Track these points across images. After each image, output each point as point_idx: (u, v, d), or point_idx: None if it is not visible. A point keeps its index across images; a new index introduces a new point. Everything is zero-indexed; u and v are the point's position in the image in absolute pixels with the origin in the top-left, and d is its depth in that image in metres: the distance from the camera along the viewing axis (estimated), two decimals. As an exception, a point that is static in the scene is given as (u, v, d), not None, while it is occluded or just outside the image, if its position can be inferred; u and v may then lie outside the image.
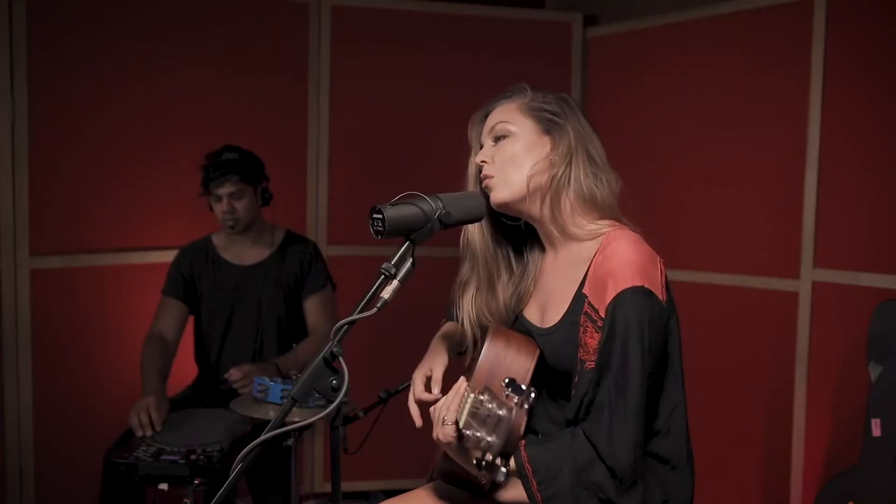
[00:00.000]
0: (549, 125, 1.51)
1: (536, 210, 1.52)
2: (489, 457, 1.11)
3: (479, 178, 1.56)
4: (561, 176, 1.49)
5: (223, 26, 3.07)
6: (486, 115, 1.58)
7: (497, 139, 1.53)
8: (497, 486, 1.54)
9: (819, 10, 2.71)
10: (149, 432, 2.22)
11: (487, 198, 1.55)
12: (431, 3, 3.31)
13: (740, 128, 2.95)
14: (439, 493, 1.60)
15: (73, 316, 2.87)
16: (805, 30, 2.74)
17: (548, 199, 1.50)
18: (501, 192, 1.51)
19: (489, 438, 1.10)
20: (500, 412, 1.12)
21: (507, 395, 1.13)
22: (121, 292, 2.95)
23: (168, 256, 2.74)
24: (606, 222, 1.52)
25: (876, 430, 2.35)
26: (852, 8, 2.66)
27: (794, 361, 2.80)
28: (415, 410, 1.58)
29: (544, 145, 1.51)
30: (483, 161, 1.53)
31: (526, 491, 1.37)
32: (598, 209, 1.51)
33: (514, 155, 1.50)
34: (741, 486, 2.97)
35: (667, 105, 3.16)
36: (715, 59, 3.01)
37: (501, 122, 1.52)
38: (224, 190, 2.55)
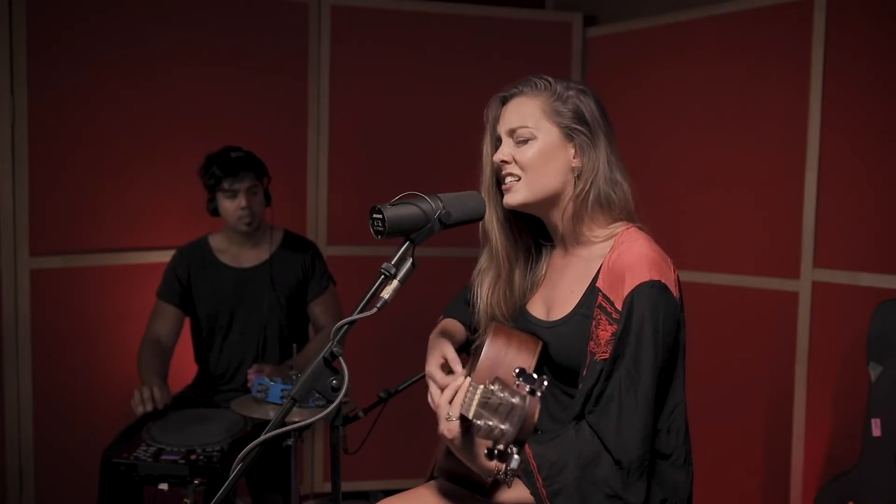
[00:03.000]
0: (572, 132, 1.51)
1: (555, 217, 1.55)
2: (501, 445, 1.10)
3: (496, 175, 1.56)
4: (585, 190, 1.50)
5: (223, 26, 3.07)
6: (504, 100, 1.57)
7: (518, 142, 1.52)
8: (498, 485, 1.54)
9: (819, 10, 2.71)
10: (149, 407, 2.27)
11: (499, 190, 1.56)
12: (431, 3, 3.31)
13: (740, 128, 2.95)
14: (439, 492, 1.60)
15: (73, 316, 2.87)
16: (805, 30, 2.74)
17: (569, 211, 1.52)
18: (518, 195, 1.52)
19: (502, 426, 1.10)
20: (514, 400, 1.11)
21: (518, 385, 1.13)
22: (121, 292, 2.95)
23: (168, 256, 2.73)
24: (619, 224, 1.54)
25: (876, 430, 2.35)
26: (852, 8, 2.66)
27: (794, 361, 2.80)
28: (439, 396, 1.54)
29: (566, 152, 1.52)
30: (503, 161, 1.53)
31: (531, 487, 1.37)
32: (614, 214, 1.53)
33: (534, 160, 1.50)
34: (741, 486, 2.97)
35: (667, 105, 3.15)
36: (715, 59, 3.01)
37: (523, 125, 1.51)
38: (242, 185, 2.52)
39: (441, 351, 1.59)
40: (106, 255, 2.93)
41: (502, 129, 1.55)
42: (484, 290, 1.63)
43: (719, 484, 2.97)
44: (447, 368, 1.55)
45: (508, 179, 1.53)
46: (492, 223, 1.60)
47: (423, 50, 3.30)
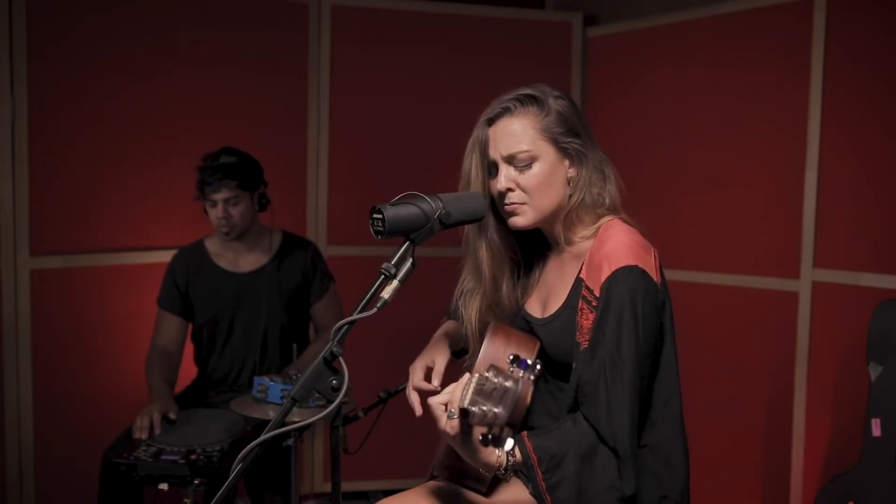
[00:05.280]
0: (566, 145, 1.51)
1: (554, 226, 1.56)
2: (496, 429, 1.11)
3: (497, 201, 1.56)
4: (582, 197, 1.52)
5: (223, 26, 3.07)
6: (490, 122, 1.55)
7: (520, 168, 1.51)
8: (498, 483, 1.54)
9: (819, 10, 2.71)
10: (145, 435, 2.22)
11: (492, 207, 1.57)
12: (431, 3, 3.31)
13: (740, 127, 2.95)
14: (438, 492, 1.60)
15: (73, 316, 2.87)
16: (805, 30, 2.74)
17: (565, 217, 1.53)
18: (527, 218, 1.53)
19: (496, 410, 1.11)
20: (507, 384, 1.12)
21: (512, 370, 1.14)
22: (121, 292, 2.95)
23: (168, 256, 2.73)
24: (606, 218, 1.55)
25: (876, 430, 2.35)
26: (852, 8, 2.66)
27: (794, 361, 2.80)
28: (414, 398, 1.57)
29: (564, 166, 1.53)
30: (509, 189, 1.52)
31: (531, 481, 1.38)
32: (605, 211, 1.55)
33: (540, 183, 1.51)
34: (741, 486, 2.97)
35: (667, 105, 3.15)
36: (715, 59, 3.01)
37: (522, 150, 1.50)
38: (220, 195, 2.47)
39: (433, 356, 1.62)
40: (106, 255, 2.93)
41: (496, 154, 1.53)
42: (472, 313, 1.63)
43: (719, 483, 2.97)
44: (429, 377, 1.60)
45: (515, 205, 1.53)
46: (479, 246, 1.60)
47: (423, 50, 3.30)
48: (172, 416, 2.31)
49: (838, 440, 2.70)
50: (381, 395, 2.13)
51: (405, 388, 2.10)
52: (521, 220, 1.53)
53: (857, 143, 2.68)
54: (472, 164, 1.58)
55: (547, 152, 1.51)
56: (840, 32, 2.68)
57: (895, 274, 2.57)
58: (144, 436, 2.22)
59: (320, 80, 3.20)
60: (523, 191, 1.51)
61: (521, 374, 1.12)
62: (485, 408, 1.13)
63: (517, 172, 1.51)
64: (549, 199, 1.51)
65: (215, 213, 2.52)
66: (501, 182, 1.52)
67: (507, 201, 1.53)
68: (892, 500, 2.31)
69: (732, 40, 2.96)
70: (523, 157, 1.50)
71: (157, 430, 2.24)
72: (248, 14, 3.11)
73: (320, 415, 1.27)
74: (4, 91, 2.68)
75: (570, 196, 1.52)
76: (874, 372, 2.40)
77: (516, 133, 1.51)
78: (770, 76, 2.86)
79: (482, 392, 1.16)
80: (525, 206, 1.52)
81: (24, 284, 2.75)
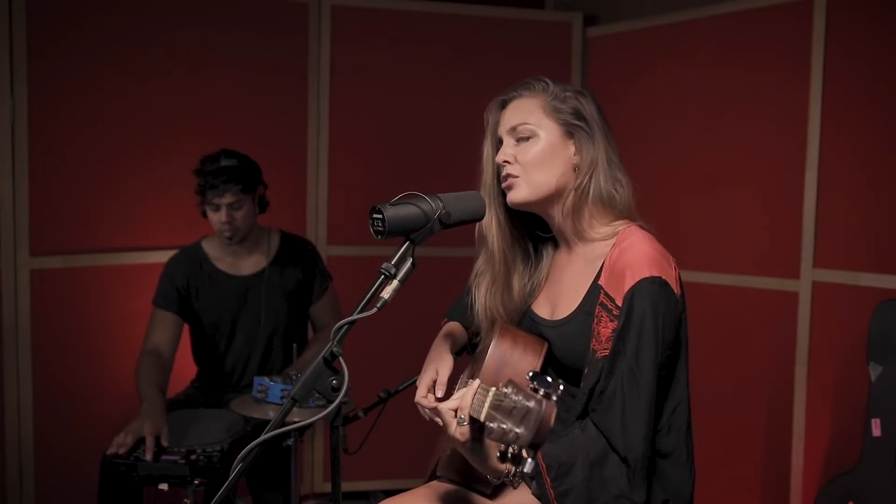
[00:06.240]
0: (572, 128, 1.51)
1: (555, 213, 1.54)
2: (515, 448, 1.09)
3: (499, 175, 1.57)
4: (584, 185, 1.50)
5: (223, 26, 3.07)
6: (504, 104, 1.57)
7: (519, 139, 1.52)
8: (503, 486, 1.53)
9: (819, 10, 2.71)
10: (122, 451, 2.12)
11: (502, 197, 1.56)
12: (431, 3, 3.31)
13: (740, 128, 2.95)
14: (440, 492, 1.60)
15: (73, 316, 2.87)
16: (805, 30, 2.75)
17: (568, 205, 1.51)
18: (521, 192, 1.52)
19: (517, 430, 1.09)
20: (529, 404, 1.10)
21: (533, 388, 1.13)
22: (121, 292, 2.95)
23: (168, 256, 2.72)
24: (621, 222, 1.53)
25: (876, 430, 2.35)
26: (852, 8, 2.66)
27: (794, 361, 2.80)
28: (425, 407, 1.59)
29: (567, 149, 1.52)
30: (505, 161, 1.53)
31: (538, 488, 1.37)
32: (616, 212, 1.53)
33: (537, 158, 1.50)
34: (741, 486, 2.97)
35: (667, 105, 3.16)
36: (715, 59, 3.01)
37: (524, 123, 1.51)
38: (223, 200, 2.45)
39: (437, 367, 1.62)
40: (106, 255, 2.93)
41: (503, 130, 1.55)
42: (481, 294, 1.63)
43: (720, 484, 2.97)
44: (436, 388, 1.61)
45: (510, 179, 1.53)
46: (490, 226, 1.60)
47: (422, 50, 3.31)
48: (165, 442, 2.16)
49: (838, 440, 2.70)
50: (381, 395, 2.13)
51: (405, 387, 2.11)
52: (514, 195, 1.53)
53: (857, 143, 2.68)
54: (486, 147, 1.60)
55: (549, 129, 1.51)
56: (840, 32, 2.69)
57: (895, 274, 2.57)
58: (122, 451, 2.12)
59: (320, 80, 3.21)
60: (521, 165, 1.51)
61: (542, 393, 1.10)
62: (504, 426, 1.10)
63: (517, 146, 1.52)
64: (545, 176, 1.50)
65: (218, 218, 2.49)
66: (501, 154, 1.53)
67: (503, 174, 1.54)
68: (892, 500, 2.31)
69: (732, 40, 2.96)
70: (522, 130, 1.51)
71: (148, 456, 2.11)
72: (248, 14, 3.11)
73: (320, 415, 1.27)
74: (4, 91, 2.68)
75: (575, 180, 1.50)
76: (874, 372, 2.40)
77: (522, 107, 1.53)
78: (770, 76, 2.86)
79: (500, 408, 1.14)
80: (518, 180, 1.52)
81: (24, 284, 2.75)
